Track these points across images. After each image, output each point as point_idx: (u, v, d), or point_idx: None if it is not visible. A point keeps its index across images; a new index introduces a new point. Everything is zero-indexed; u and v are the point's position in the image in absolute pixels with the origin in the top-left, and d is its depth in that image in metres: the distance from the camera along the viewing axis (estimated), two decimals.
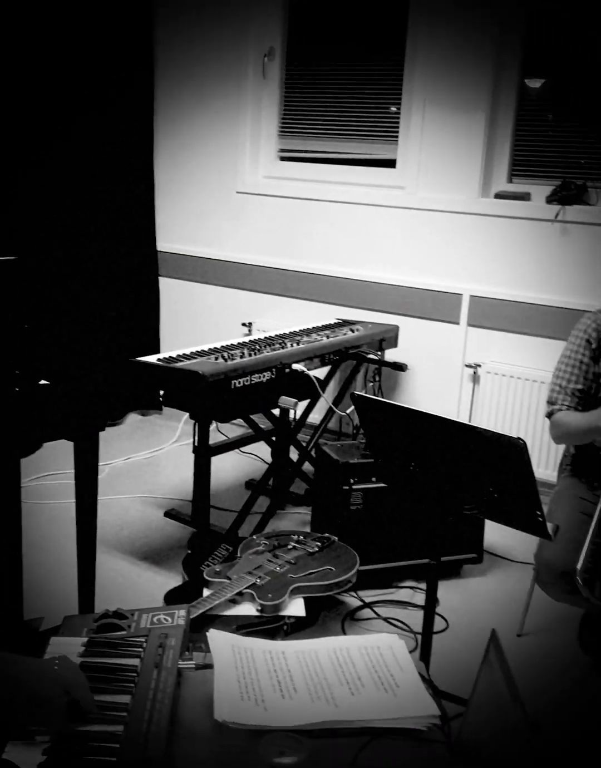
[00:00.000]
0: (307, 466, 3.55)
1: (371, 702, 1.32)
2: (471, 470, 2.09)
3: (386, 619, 2.85)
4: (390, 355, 3.75)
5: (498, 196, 3.68)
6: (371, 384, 3.85)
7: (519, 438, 1.94)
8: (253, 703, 1.30)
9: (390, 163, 4.03)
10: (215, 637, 1.44)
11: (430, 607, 2.24)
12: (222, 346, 3.21)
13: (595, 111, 3.51)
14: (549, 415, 2.64)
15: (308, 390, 3.22)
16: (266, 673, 1.37)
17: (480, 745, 1.12)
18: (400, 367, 3.58)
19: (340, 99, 4.14)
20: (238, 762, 1.25)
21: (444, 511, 2.21)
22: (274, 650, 1.43)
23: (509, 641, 2.78)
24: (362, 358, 3.57)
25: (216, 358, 3.01)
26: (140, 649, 1.40)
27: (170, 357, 3.01)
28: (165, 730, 1.22)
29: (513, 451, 1.94)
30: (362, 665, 1.41)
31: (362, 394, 2.16)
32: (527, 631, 2.83)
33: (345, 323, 3.78)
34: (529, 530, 2.10)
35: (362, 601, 2.93)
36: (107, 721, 1.25)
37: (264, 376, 3.01)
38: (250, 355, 3.09)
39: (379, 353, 3.62)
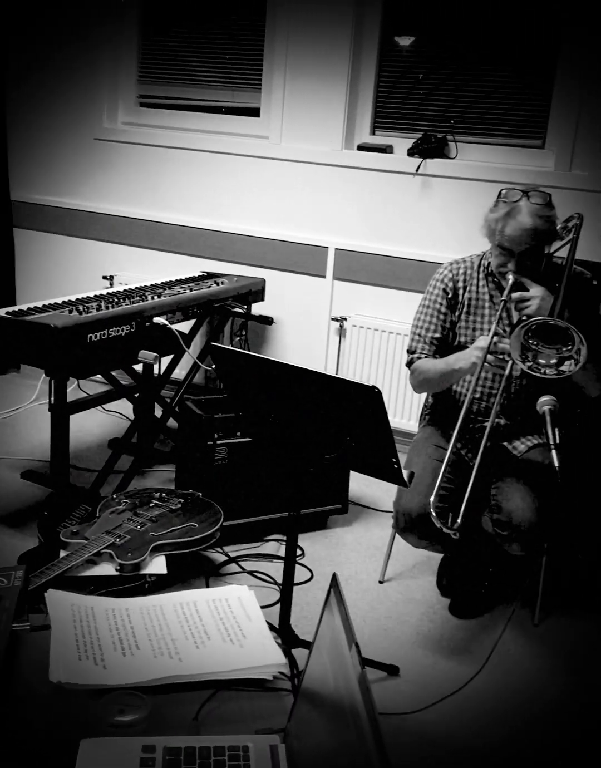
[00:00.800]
0: (172, 423, 3.48)
1: (217, 654, 1.29)
2: (328, 419, 2.08)
3: (251, 573, 2.84)
4: (257, 308, 3.70)
5: (361, 148, 3.66)
6: (238, 338, 3.80)
7: (374, 386, 1.93)
8: (92, 663, 1.25)
9: (254, 112, 3.94)
10: (54, 596, 1.37)
11: (290, 558, 2.23)
12: (77, 299, 3.07)
13: (457, 66, 3.52)
14: (409, 363, 2.67)
15: (172, 345, 3.13)
16: (107, 631, 1.31)
17: (321, 689, 1.10)
18: (266, 320, 3.54)
19: (202, 45, 4.00)
20: (77, 723, 1.20)
21: (303, 461, 2.20)
22: (118, 608, 1.38)
23: (372, 588, 2.83)
24: (227, 312, 3.50)
25: (70, 311, 2.88)
26: None
27: (20, 310, 2.85)
28: None
29: (368, 399, 1.94)
30: (209, 618, 1.37)
31: (219, 345, 2.10)
32: (389, 578, 2.88)
33: (210, 276, 3.69)
34: (386, 478, 2.11)
35: (227, 556, 2.91)
36: None
37: (122, 329, 2.89)
38: (107, 307, 2.97)
39: (245, 307, 3.56)
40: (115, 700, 1.22)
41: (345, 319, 3.77)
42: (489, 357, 2.32)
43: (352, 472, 3.21)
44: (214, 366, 3.19)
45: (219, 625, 1.36)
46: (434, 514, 2.23)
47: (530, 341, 2.20)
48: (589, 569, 2.85)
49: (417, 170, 3.51)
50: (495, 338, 2.33)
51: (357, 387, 1.98)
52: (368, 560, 3.00)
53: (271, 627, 1.39)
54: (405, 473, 2.13)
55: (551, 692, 2.36)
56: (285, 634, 2.20)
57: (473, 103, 3.53)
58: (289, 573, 2.25)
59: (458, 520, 2.20)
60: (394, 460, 2.05)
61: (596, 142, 3.23)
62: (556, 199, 2.52)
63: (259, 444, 2.88)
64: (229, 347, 2.14)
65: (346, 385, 2.01)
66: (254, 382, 2.16)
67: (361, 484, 3.49)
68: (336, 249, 3.74)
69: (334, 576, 1.13)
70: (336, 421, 2.08)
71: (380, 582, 2.87)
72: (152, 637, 1.31)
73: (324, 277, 3.80)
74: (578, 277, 2.60)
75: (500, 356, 2.33)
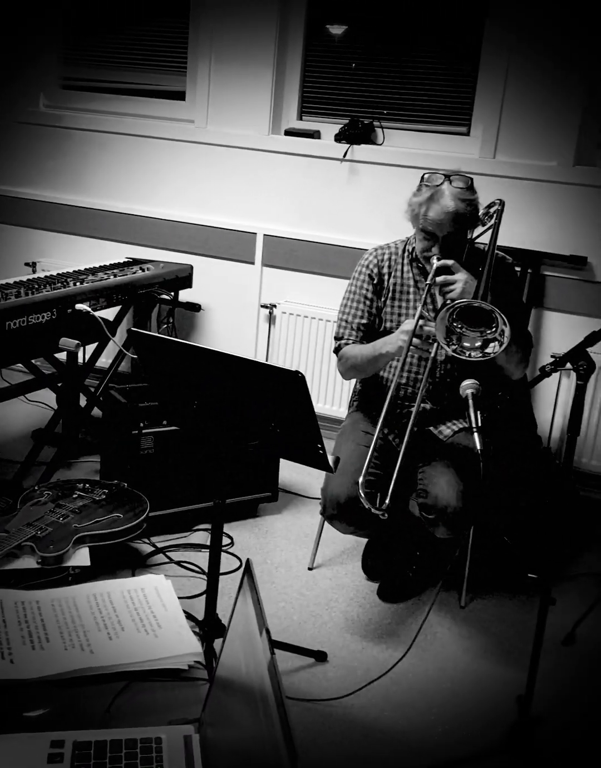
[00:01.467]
0: (97, 413, 3.41)
1: (130, 645, 1.25)
2: (252, 405, 2.05)
3: (178, 563, 2.80)
4: (184, 295, 3.65)
5: (288, 133, 3.63)
6: (165, 325, 3.74)
7: (297, 371, 1.91)
8: None
9: (180, 96, 3.87)
10: None
11: (216, 547, 2.20)
12: None
13: (385, 52, 3.52)
14: (336, 350, 2.66)
15: (96, 332, 3.06)
16: (16, 624, 1.27)
17: (234, 677, 1.08)
18: (193, 307, 3.50)
19: (127, 27, 3.90)
20: None
21: (228, 448, 2.16)
22: (28, 600, 1.33)
23: (301, 575, 2.82)
24: (153, 299, 3.44)
25: None
26: None
27: None
28: None
29: (292, 384, 1.92)
30: (124, 608, 1.34)
31: (138, 330, 2.05)
32: (318, 564, 2.88)
33: (135, 262, 3.62)
34: (311, 463, 2.09)
35: (154, 546, 2.86)
36: None
37: (43, 316, 2.81)
38: (27, 294, 2.88)
39: (171, 294, 3.50)
40: (23, 694, 1.18)
41: (274, 306, 3.74)
42: (415, 340, 2.32)
43: (282, 460, 3.19)
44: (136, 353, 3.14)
45: (133, 615, 1.32)
46: (362, 495, 2.22)
47: (455, 324, 2.21)
48: (514, 551, 2.89)
49: (344, 156, 3.49)
50: (421, 322, 2.33)
51: (280, 372, 1.95)
52: (297, 547, 2.99)
53: (189, 616, 1.36)
54: (331, 459, 2.12)
55: (477, 673, 2.38)
56: (211, 624, 2.17)
57: (399, 90, 3.53)
58: (214, 562, 2.22)
59: (387, 502, 2.20)
60: (319, 445, 2.03)
61: (519, 129, 3.26)
62: (480, 186, 2.53)
63: (186, 432, 2.84)
64: (149, 332, 2.09)
65: (269, 370, 1.98)
66: (176, 368, 2.12)
67: (291, 472, 3.47)
68: (265, 235, 3.71)
69: (247, 562, 1.11)
70: (260, 407, 2.05)
71: (310, 568, 2.86)
72: (63, 629, 1.27)
73: (253, 263, 3.77)
74: (500, 261, 2.62)
75: (426, 339, 2.34)
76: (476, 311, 2.21)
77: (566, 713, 2.23)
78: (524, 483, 2.92)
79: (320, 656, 2.38)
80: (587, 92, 3.16)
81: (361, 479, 2.28)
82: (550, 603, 1.96)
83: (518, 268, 3.21)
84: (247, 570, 1.10)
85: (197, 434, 2.70)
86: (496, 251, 2.59)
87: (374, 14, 3.51)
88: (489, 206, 2.64)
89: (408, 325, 2.36)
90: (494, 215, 2.59)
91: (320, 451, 2.04)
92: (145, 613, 1.33)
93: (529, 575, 2.80)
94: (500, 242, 2.86)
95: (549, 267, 3.29)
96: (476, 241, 2.64)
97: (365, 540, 2.87)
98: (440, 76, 3.48)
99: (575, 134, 3.18)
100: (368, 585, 2.78)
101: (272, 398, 2.01)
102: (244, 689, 1.03)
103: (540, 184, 3.26)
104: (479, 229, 2.64)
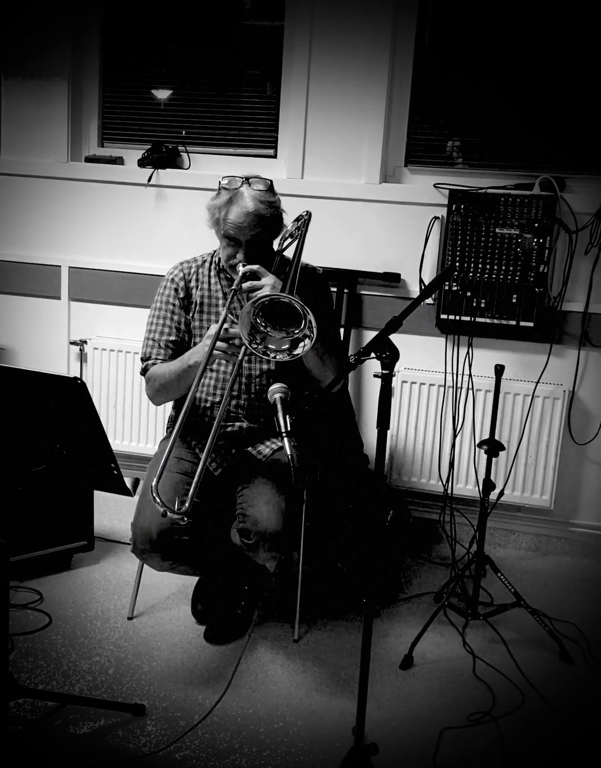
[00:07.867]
0: None
1: None
2: (31, 424, 1.80)
3: None
4: None
5: (89, 159, 3.44)
6: None
7: (77, 377, 1.70)
8: None
9: None
10: None
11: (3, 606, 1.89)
12: None
13: (186, 77, 3.43)
14: (144, 371, 2.47)
15: None
16: None
17: None
18: None
19: None
20: None
21: (9, 478, 1.90)
22: None
23: (119, 626, 2.53)
24: None
25: None
26: None
27: None
28: None
29: (71, 392, 1.70)
30: None
31: None
32: (139, 613, 2.60)
33: None
34: (107, 487, 1.87)
35: None
36: None
37: None
38: None
39: None
40: None
41: (85, 342, 3.48)
42: (220, 344, 2.14)
43: (97, 504, 2.92)
44: None
45: None
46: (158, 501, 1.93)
47: (259, 321, 2.05)
48: (349, 578, 2.73)
49: (149, 180, 3.34)
50: (226, 325, 2.17)
51: (57, 380, 1.73)
52: (116, 597, 2.70)
53: None
54: (128, 481, 1.90)
55: (311, 707, 2.17)
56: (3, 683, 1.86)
57: (204, 114, 3.44)
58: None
59: (187, 505, 1.94)
60: (113, 465, 1.81)
61: (325, 149, 3.23)
62: (291, 207, 2.44)
63: None
64: None
65: (43, 379, 1.75)
66: None
67: (111, 518, 3.19)
68: (70, 267, 3.47)
69: None
70: (40, 426, 1.81)
71: (130, 618, 2.58)
72: None
73: (59, 298, 3.51)
74: (311, 272, 2.53)
75: (232, 342, 2.16)
76: (282, 310, 2.07)
77: (406, 737, 2.05)
78: (352, 504, 2.79)
79: (137, 710, 2.10)
80: (389, 110, 3.17)
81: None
82: (374, 616, 1.79)
83: (334, 289, 3.13)
84: None
85: None
86: (309, 266, 2.50)
87: (176, 41, 3.42)
88: (297, 219, 2.56)
89: (212, 329, 2.19)
90: (302, 225, 2.50)
91: (115, 472, 1.82)
92: None
93: (364, 601, 2.64)
94: (316, 263, 2.77)
95: (365, 286, 3.24)
96: (284, 254, 2.53)
97: (193, 582, 2.63)
98: (244, 99, 3.41)
99: (379, 151, 3.17)
100: (195, 629, 2.53)
101: (52, 413, 1.78)
102: None
103: (350, 202, 3.22)
104: (288, 241, 2.54)
